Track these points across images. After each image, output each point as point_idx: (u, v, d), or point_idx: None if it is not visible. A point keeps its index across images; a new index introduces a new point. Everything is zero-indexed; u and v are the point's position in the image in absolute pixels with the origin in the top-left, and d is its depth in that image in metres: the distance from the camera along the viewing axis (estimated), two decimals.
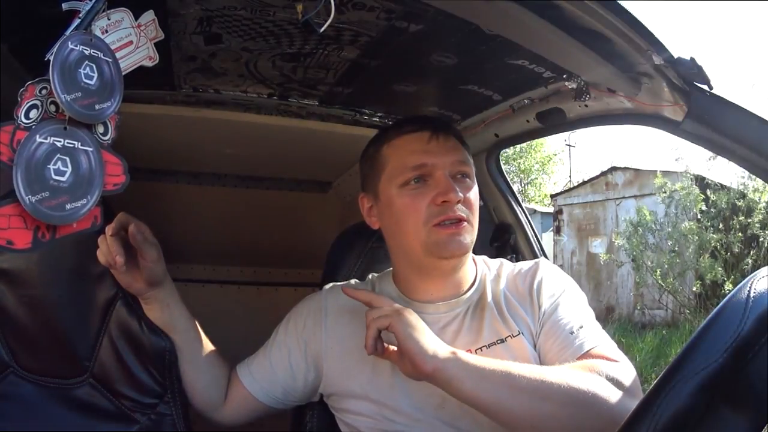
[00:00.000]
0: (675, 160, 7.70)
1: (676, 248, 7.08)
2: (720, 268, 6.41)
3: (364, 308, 0.92)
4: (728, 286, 6.29)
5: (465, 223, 0.94)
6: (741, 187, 7.03)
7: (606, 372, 0.80)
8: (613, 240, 8.04)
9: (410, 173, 0.95)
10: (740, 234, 6.56)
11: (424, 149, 0.96)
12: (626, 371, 0.83)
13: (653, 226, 7.34)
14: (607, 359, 0.85)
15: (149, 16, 0.83)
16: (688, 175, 7.29)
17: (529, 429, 0.79)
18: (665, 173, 7.54)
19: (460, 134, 1.05)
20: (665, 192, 7.27)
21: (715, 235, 6.62)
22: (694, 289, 6.78)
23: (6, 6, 0.79)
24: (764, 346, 0.46)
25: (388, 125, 1.11)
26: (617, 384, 0.79)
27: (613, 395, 0.77)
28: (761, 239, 6.48)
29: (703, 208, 6.89)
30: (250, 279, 2.13)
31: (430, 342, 0.83)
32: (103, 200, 0.79)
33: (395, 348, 0.86)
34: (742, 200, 6.75)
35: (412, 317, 0.86)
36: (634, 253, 7.36)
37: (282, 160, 1.88)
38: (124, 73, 0.79)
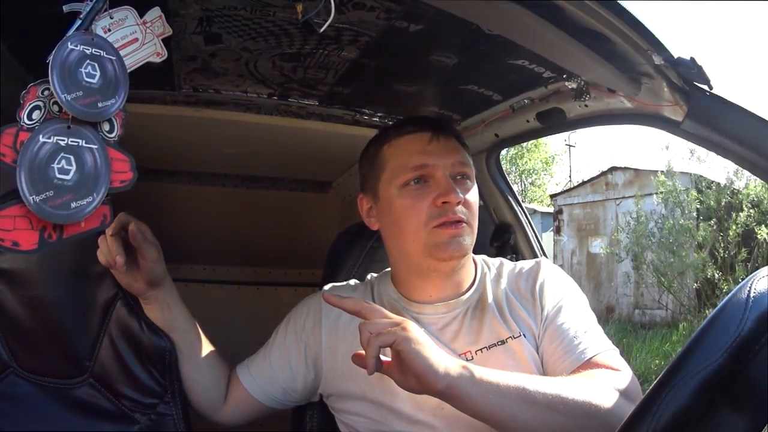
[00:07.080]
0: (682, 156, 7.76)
1: (674, 247, 7.12)
2: (713, 268, 6.44)
3: None
4: (724, 285, 6.32)
5: (464, 225, 0.94)
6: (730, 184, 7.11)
7: (613, 383, 0.82)
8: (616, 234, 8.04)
9: (411, 174, 0.95)
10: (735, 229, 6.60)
11: (425, 150, 0.96)
12: (629, 380, 0.84)
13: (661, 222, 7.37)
14: (612, 369, 0.86)
15: (156, 12, 0.82)
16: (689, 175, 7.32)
17: None
18: (667, 173, 7.57)
19: (461, 135, 1.04)
20: (662, 192, 7.30)
21: (704, 232, 6.67)
22: (696, 285, 6.80)
23: (6, 6, 0.79)
24: (764, 346, 0.46)
25: (389, 125, 1.10)
26: (624, 394, 0.81)
27: (622, 406, 0.78)
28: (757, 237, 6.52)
29: (699, 206, 6.94)
30: (250, 279, 2.13)
31: (440, 358, 0.77)
32: (111, 199, 0.78)
33: (388, 359, 0.81)
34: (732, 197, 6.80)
35: (416, 331, 0.79)
36: (636, 249, 7.38)
37: (282, 160, 1.88)
38: (130, 70, 0.79)
